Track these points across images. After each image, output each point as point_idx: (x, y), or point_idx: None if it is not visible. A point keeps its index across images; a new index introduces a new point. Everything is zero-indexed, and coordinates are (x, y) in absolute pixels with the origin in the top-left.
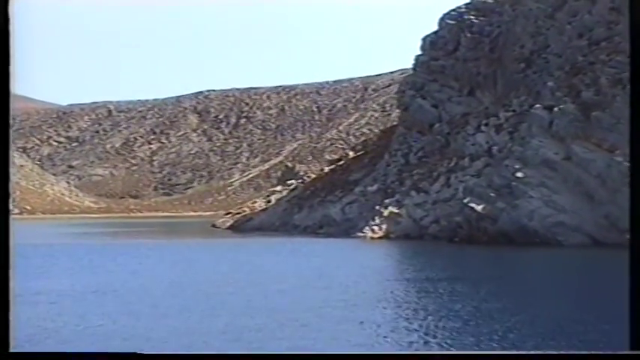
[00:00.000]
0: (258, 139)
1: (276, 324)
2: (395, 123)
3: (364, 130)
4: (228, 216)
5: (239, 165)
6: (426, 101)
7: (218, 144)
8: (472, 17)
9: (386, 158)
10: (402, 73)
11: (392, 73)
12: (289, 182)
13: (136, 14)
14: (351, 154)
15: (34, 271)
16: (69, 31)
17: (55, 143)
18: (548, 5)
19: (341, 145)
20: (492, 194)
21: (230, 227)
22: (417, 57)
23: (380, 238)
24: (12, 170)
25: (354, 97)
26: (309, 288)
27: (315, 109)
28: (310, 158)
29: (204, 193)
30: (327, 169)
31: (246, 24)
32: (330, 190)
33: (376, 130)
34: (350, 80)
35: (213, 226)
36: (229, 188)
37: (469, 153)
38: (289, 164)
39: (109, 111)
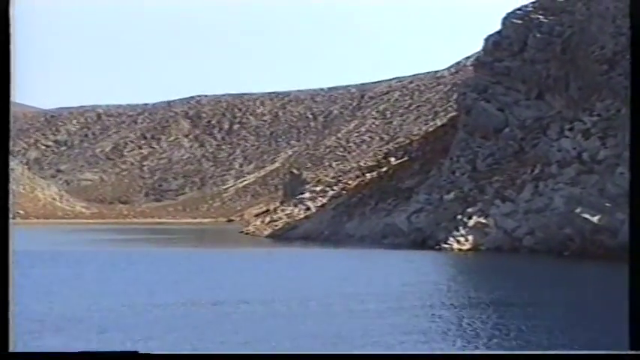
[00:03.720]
0: (252, 146)
1: None
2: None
3: (365, 137)
4: (260, 223)
5: (232, 171)
6: (491, 104)
7: (210, 150)
8: (540, 16)
9: (447, 165)
10: (398, 81)
11: (389, 80)
12: (321, 189)
13: (126, 17)
14: (393, 160)
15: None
16: (56, 34)
17: (42, 147)
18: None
19: (341, 152)
20: (608, 204)
21: (271, 235)
22: (478, 58)
23: (468, 250)
24: None
25: (350, 104)
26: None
27: (310, 116)
28: (309, 165)
29: (197, 200)
30: (368, 175)
31: (238, 29)
32: (381, 198)
33: (377, 138)
34: (345, 87)
35: (244, 233)
36: (224, 195)
37: (556, 160)
38: (295, 171)
39: (99, 115)
